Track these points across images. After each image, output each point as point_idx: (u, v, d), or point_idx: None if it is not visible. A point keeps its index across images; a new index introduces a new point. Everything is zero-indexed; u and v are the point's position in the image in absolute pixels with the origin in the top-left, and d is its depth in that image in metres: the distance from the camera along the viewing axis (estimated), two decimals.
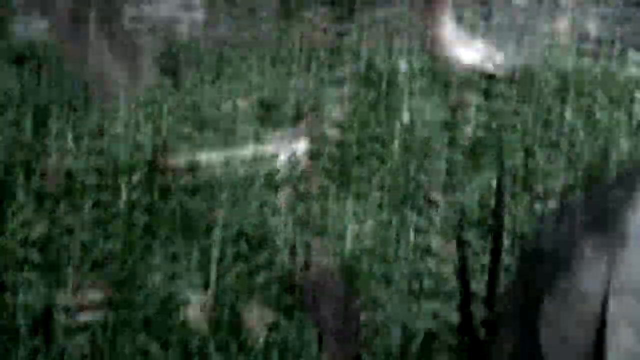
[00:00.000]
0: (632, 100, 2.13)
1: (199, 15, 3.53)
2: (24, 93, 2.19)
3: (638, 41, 2.58)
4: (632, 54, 2.53)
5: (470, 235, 1.64)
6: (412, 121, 1.98)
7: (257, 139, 1.98)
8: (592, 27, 2.69)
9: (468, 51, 2.38)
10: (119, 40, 2.25)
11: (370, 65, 2.33)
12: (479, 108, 2.14)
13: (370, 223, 1.65)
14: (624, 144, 2.08)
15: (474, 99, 2.17)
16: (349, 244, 1.59)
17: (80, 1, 2.16)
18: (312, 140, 1.98)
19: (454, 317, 1.36)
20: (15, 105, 2.11)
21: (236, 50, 2.73)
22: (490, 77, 2.29)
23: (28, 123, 2.01)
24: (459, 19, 2.78)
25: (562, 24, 2.71)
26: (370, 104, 2.07)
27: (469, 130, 2.08)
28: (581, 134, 2.08)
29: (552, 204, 1.83)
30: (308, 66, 2.39)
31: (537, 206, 1.80)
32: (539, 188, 1.87)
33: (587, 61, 2.39)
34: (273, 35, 3.10)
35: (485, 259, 1.46)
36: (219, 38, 3.16)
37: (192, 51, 2.70)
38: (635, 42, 2.56)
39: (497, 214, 1.28)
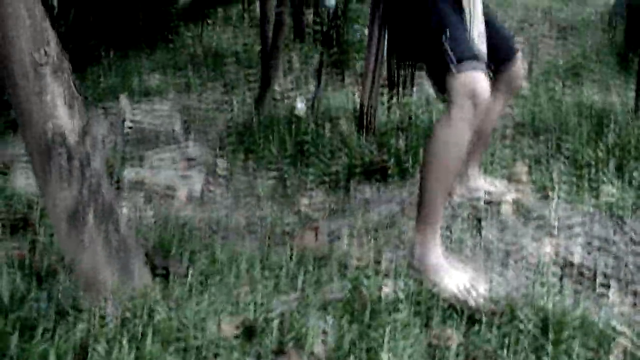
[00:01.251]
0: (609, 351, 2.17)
1: (197, 186, 3.61)
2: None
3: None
4: (614, 287, 2.58)
5: None
6: None
7: None
8: (578, 253, 2.75)
9: (453, 279, 2.43)
10: (113, 239, 2.30)
11: (355, 287, 2.37)
12: (458, 347, 2.17)
13: None
14: None
15: (454, 336, 2.20)
16: None
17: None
18: None
19: None
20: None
21: (228, 245, 2.78)
22: (473, 309, 2.33)
23: None
24: (449, 236, 2.86)
25: (549, 248, 2.77)
26: (351, 341, 2.10)
27: None
28: None
29: None
30: (295, 278, 2.44)
31: None
32: None
33: (569, 297, 2.43)
34: (267, 221, 3.16)
35: None
36: (212, 219, 3.21)
37: (184, 241, 2.75)
38: (618, 274, 2.62)
39: None
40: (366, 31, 3.04)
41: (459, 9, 2.62)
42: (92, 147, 2.23)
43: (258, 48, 6.02)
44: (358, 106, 3.97)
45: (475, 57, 2.44)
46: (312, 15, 6.38)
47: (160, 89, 5.57)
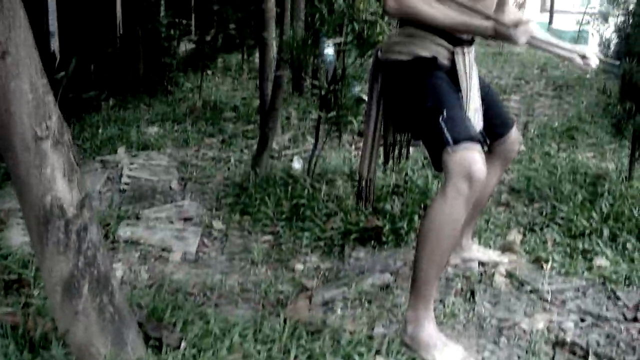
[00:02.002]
0: None
1: (192, 247, 3.62)
2: None
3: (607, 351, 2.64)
4: None
5: None
6: None
7: None
8: (570, 330, 2.76)
9: (445, 356, 2.44)
10: (107, 311, 2.30)
11: None
12: None
13: None
14: None
15: None
16: None
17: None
18: None
19: None
20: None
21: (221, 314, 2.77)
22: None
23: None
24: (443, 309, 2.86)
25: (541, 324, 2.78)
26: None
27: None
28: None
29: None
30: (288, 353, 2.43)
31: None
32: None
33: None
34: (261, 287, 3.16)
35: None
36: (206, 283, 3.21)
37: (178, 307, 2.75)
38: (610, 353, 2.62)
39: None
40: (366, 89, 3.07)
41: (456, 86, 2.66)
42: (90, 219, 2.25)
43: (257, 102, 6.08)
44: (357, 175, 4.01)
45: (471, 137, 2.47)
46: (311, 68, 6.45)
47: (159, 143, 5.60)
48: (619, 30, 4.41)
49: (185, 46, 9.10)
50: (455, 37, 2.64)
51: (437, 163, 2.53)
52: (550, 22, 16.69)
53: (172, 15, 8.37)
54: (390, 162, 4.43)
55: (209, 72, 8.80)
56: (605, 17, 4.73)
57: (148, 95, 7.44)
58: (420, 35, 2.63)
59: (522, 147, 5.58)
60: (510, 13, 2.47)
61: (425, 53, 2.64)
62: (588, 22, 11.05)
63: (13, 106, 2.09)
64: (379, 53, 2.80)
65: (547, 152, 5.47)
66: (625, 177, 4.43)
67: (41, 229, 2.21)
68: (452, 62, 2.67)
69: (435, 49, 2.64)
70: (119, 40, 7.78)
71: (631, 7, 4.41)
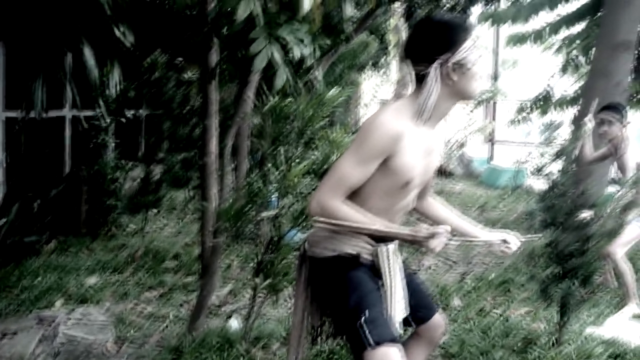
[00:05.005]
0: None
1: None
2: None
3: None
4: None
5: None
6: None
7: None
8: None
9: None
10: None
11: None
12: None
13: None
14: None
15: None
16: None
17: None
18: None
19: None
20: None
21: None
22: None
23: None
24: None
25: None
26: None
27: None
28: None
29: None
30: None
31: None
32: None
33: None
34: None
35: None
36: None
37: None
38: None
39: None
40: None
41: (380, 279, 2.76)
42: None
43: (198, 250, 6.11)
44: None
45: (392, 339, 2.55)
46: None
47: (98, 296, 5.58)
48: (542, 199, 4.59)
49: (131, 184, 9.16)
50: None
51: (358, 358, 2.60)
52: (491, 157, 17.21)
53: (119, 155, 8.46)
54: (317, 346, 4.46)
55: (154, 210, 8.83)
56: (538, 171, 4.92)
57: (90, 237, 7.44)
58: (344, 233, 2.73)
59: (459, 303, 5.69)
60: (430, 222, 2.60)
61: (349, 250, 2.74)
62: (525, 170, 11.45)
63: None
64: (305, 246, 2.90)
65: (482, 308, 5.57)
66: (555, 341, 4.54)
67: None
68: (375, 257, 2.77)
69: (358, 246, 2.75)
70: (64, 180, 7.83)
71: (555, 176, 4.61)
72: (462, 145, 16.07)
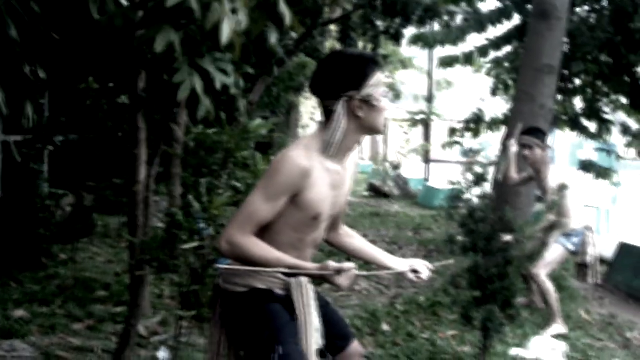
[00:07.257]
0: None
1: None
2: None
3: None
4: None
5: None
6: None
7: None
8: None
9: None
10: None
11: None
12: None
13: None
14: None
15: None
16: None
17: None
18: None
19: None
20: None
21: None
22: None
23: None
24: None
25: None
26: None
27: None
28: None
29: None
30: None
31: None
32: None
33: None
34: None
35: None
36: None
37: None
38: None
39: None
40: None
41: (293, 313, 2.79)
42: None
43: (128, 279, 6.06)
44: None
45: None
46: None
47: (24, 330, 5.48)
48: (463, 225, 4.70)
49: (63, 211, 9.04)
50: None
51: None
52: (427, 177, 17.46)
53: (50, 182, 8.36)
54: None
55: (86, 240, 8.74)
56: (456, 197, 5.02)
57: (19, 269, 7.31)
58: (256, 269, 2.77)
59: (387, 328, 5.76)
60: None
61: (261, 285, 2.78)
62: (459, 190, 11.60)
63: None
64: (219, 280, 2.92)
65: (410, 332, 5.65)
66: None
67: None
68: (289, 290, 2.81)
69: (270, 281, 2.78)
70: None
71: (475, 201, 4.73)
72: (397, 167, 16.29)
